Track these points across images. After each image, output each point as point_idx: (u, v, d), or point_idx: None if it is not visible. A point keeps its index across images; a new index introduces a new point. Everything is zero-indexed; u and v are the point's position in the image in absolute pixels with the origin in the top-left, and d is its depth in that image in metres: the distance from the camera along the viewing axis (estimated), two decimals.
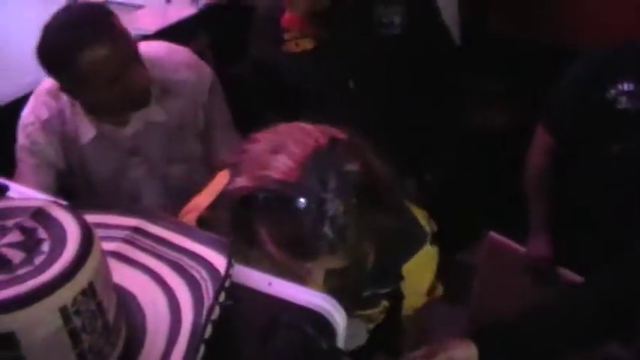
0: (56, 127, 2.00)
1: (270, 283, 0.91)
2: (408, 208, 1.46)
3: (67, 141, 2.02)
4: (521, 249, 2.41)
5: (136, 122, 2.01)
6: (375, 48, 2.18)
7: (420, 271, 1.51)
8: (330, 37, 2.17)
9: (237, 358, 0.84)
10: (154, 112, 2.01)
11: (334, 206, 1.07)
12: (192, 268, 0.88)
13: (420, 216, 1.48)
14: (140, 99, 1.96)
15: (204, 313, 0.78)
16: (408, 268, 1.47)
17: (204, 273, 0.85)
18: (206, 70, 2.14)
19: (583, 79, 2.14)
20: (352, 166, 1.11)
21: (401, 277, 1.47)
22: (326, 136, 1.14)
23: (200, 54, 2.26)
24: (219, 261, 0.85)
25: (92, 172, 2.07)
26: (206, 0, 3.00)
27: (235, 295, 0.87)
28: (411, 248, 1.44)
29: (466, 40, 3.24)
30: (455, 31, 3.13)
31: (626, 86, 2.05)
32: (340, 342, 0.88)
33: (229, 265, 0.84)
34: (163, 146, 2.07)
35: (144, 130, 2.02)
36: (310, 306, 0.87)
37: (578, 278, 2.25)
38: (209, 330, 0.76)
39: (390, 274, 1.46)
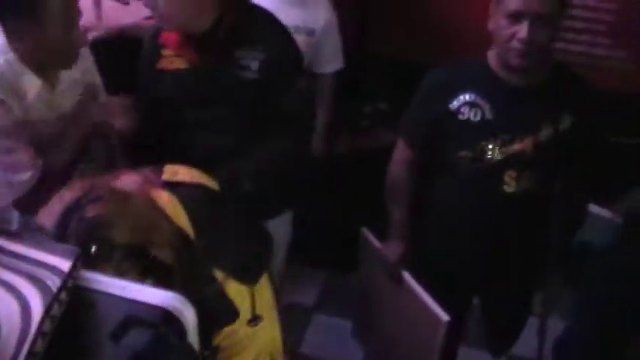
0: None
1: (124, 287, 0.98)
2: (220, 284, 1.37)
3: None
4: (379, 247, 2.62)
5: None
6: (234, 85, 2.25)
7: (235, 349, 1.43)
8: (200, 62, 2.25)
9: (91, 355, 0.90)
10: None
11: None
12: (47, 278, 0.94)
13: (239, 294, 1.40)
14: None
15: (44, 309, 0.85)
16: (222, 341, 1.39)
17: (56, 280, 0.92)
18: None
19: (429, 93, 2.33)
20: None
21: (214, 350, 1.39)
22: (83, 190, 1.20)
23: None
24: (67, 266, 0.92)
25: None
26: (96, 33, 3.04)
27: (90, 298, 0.94)
28: (218, 320, 1.37)
29: (347, 61, 3.38)
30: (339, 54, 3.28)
31: (467, 97, 2.24)
32: (191, 337, 0.95)
33: (73, 269, 0.90)
34: None
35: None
36: (161, 304, 0.95)
37: (417, 287, 2.45)
38: (48, 324, 0.82)
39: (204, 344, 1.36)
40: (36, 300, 0.90)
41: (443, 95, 2.28)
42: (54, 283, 0.92)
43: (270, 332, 1.47)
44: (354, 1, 3.70)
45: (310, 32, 3.16)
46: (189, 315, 0.95)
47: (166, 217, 1.22)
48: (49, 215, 1.15)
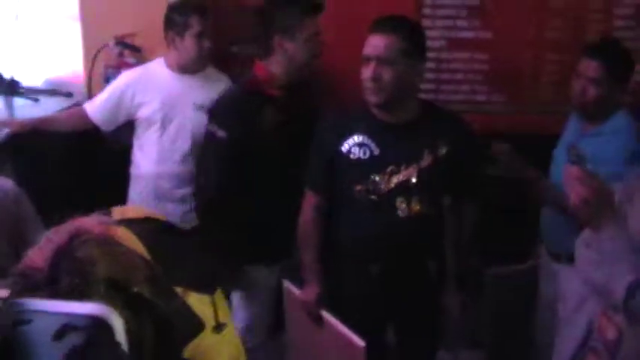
0: None
1: (57, 305, 1.15)
2: (180, 296, 1.45)
3: None
4: (298, 293, 2.79)
5: None
6: None
7: (205, 359, 1.49)
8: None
9: (35, 358, 1.06)
10: None
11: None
12: None
13: (201, 305, 1.48)
14: None
15: None
16: (192, 354, 1.44)
17: None
18: (9, 185, 2.36)
19: (321, 140, 2.64)
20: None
21: None
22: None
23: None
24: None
25: None
26: (8, 130, 3.19)
27: (27, 317, 1.11)
28: (186, 334, 1.44)
29: None
30: None
31: (356, 138, 2.56)
32: (119, 337, 1.13)
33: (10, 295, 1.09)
34: None
35: None
36: (91, 313, 1.12)
37: (334, 320, 2.62)
38: None
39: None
40: None
41: (334, 139, 2.59)
42: None
43: (234, 339, 1.56)
44: None
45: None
46: (116, 320, 1.13)
47: (135, 252, 1.36)
48: (40, 255, 1.29)
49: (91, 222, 1.39)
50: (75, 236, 1.30)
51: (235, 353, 1.57)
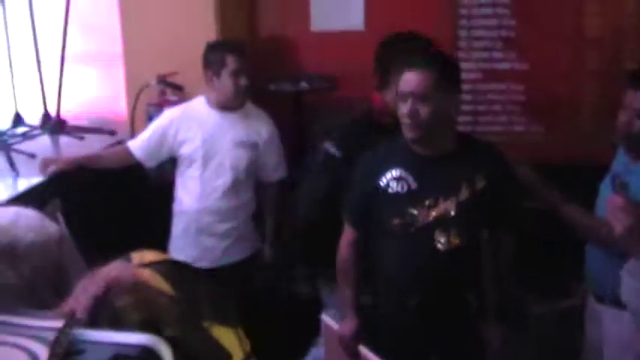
0: None
1: (108, 336, 1.19)
2: (207, 330, 1.50)
3: None
4: (337, 328, 2.77)
5: None
6: None
7: None
8: None
9: None
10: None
11: None
12: (47, 335, 1.16)
13: (227, 337, 1.53)
14: None
15: None
16: None
17: (53, 335, 1.14)
18: (53, 228, 2.38)
19: (361, 176, 2.66)
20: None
21: None
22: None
23: (52, 217, 2.52)
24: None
25: None
26: (55, 167, 3.27)
27: (81, 347, 1.15)
28: None
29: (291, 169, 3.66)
30: None
31: (393, 173, 2.57)
32: None
33: (65, 325, 1.14)
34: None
35: None
36: (141, 343, 1.16)
37: (373, 356, 2.60)
38: None
39: None
40: (41, 351, 1.11)
41: (372, 175, 2.60)
42: (51, 337, 1.14)
43: None
44: (291, 114, 4.01)
45: (254, 146, 3.44)
46: (165, 350, 1.17)
47: (163, 293, 1.41)
48: (77, 303, 1.32)
49: (116, 269, 1.44)
50: (110, 286, 1.36)
51: None
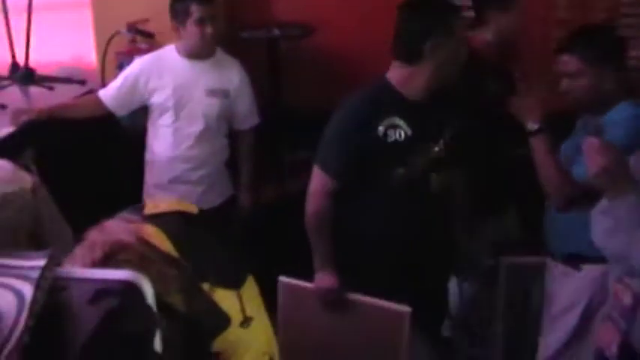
0: None
1: (90, 272, 1.22)
2: (207, 294, 1.52)
3: None
4: (310, 285, 2.71)
5: None
6: None
7: (233, 352, 1.56)
8: None
9: (71, 320, 1.13)
10: None
11: None
12: (31, 273, 1.17)
13: (228, 300, 1.55)
14: None
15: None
16: (220, 347, 1.53)
17: (36, 273, 1.16)
18: (26, 179, 2.38)
19: (352, 124, 2.56)
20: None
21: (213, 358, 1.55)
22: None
23: (26, 167, 2.51)
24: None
25: None
26: (26, 117, 3.24)
27: (63, 284, 1.17)
28: (212, 330, 1.52)
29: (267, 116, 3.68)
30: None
31: (389, 121, 2.53)
32: (150, 301, 1.19)
33: (48, 263, 1.16)
34: None
35: None
36: (123, 278, 1.18)
37: (366, 298, 2.62)
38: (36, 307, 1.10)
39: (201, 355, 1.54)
40: (27, 289, 1.13)
41: (366, 123, 2.54)
42: (35, 275, 1.16)
43: (264, 333, 1.61)
44: (265, 62, 4.00)
45: (225, 94, 3.43)
46: (146, 285, 1.19)
47: (167, 259, 1.42)
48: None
49: (119, 228, 1.44)
50: (110, 254, 1.37)
51: (264, 347, 1.61)
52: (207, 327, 1.47)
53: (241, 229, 3.57)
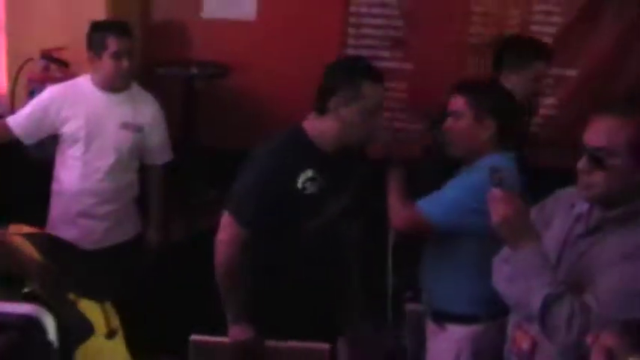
0: None
1: None
2: (74, 303, 1.49)
3: None
4: (225, 340, 2.64)
5: None
6: None
7: None
8: None
9: None
10: None
11: None
12: None
13: (92, 311, 1.53)
14: None
15: None
16: (84, 358, 1.49)
17: None
18: None
19: (272, 176, 2.55)
20: None
21: None
22: None
23: None
24: None
25: None
26: None
27: None
28: (76, 338, 1.45)
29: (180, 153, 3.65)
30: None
31: (308, 173, 2.55)
32: (51, 334, 1.16)
33: None
34: None
35: None
36: (25, 312, 1.15)
37: (284, 344, 2.62)
38: None
39: None
40: None
41: (285, 175, 2.54)
42: None
43: (124, 350, 1.60)
44: (181, 99, 3.99)
45: (139, 128, 3.40)
46: (48, 319, 1.16)
47: (28, 254, 1.39)
48: None
49: None
50: None
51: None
52: (72, 333, 1.40)
53: (147, 267, 3.52)
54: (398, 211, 2.58)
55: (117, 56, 3.24)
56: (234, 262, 2.58)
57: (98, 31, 3.27)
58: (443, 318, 2.68)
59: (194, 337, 2.67)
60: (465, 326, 2.63)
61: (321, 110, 2.57)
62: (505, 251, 2.04)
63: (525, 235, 1.93)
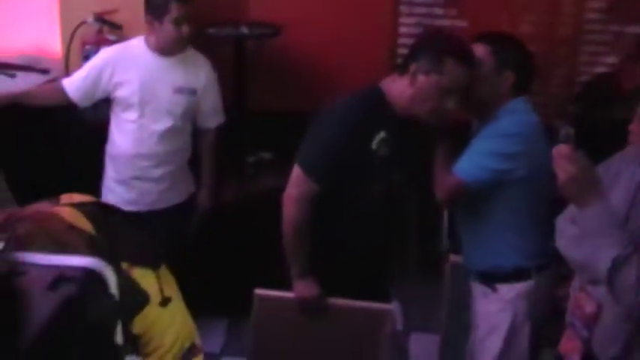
0: None
1: (49, 259, 1.18)
2: (126, 271, 1.48)
3: None
4: (290, 295, 2.65)
5: None
6: None
7: (154, 332, 1.55)
8: None
9: (29, 307, 1.09)
10: None
11: None
12: None
13: (146, 279, 1.53)
14: None
15: None
16: (140, 327, 1.52)
17: None
18: None
19: (348, 131, 2.51)
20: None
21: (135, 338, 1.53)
22: None
23: None
24: None
25: None
26: None
27: (20, 269, 1.13)
28: (130, 309, 1.48)
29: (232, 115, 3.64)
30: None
31: (382, 135, 2.53)
32: (113, 290, 1.16)
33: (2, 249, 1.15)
34: None
35: None
36: (85, 265, 1.15)
37: (346, 301, 2.63)
38: None
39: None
40: None
41: (361, 135, 2.51)
42: None
43: (182, 315, 1.60)
44: (232, 61, 3.97)
45: (192, 92, 3.38)
46: (109, 273, 1.16)
47: (77, 230, 1.37)
48: None
49: (40, 205, 1.41)
50: (9, 216, 1.33)
51: (186, 331, 1.60)
52: (127, 304, 1.41)
53: (199, 228, 3.54)
54: (441, 183, 2.54)
55: (178, 22, 3.22)
56: (305, 219, 2.54)
57: None
58: (493, 278, 2.63)
59: (258, 290, 2.69)
60: (516, 284, 2.59)
61: (402, 70, 2.53)
62: (570, 211, 1.97)
63: (592, 193, 1.84)
